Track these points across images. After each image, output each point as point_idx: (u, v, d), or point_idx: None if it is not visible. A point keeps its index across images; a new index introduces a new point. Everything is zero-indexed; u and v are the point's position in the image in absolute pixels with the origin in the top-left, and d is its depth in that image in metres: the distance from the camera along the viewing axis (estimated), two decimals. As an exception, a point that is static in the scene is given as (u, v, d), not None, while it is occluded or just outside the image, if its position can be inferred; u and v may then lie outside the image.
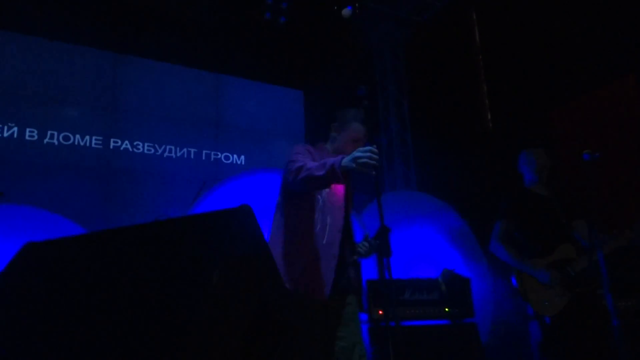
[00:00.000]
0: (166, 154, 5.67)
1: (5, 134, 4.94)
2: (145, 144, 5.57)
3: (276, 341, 1.78)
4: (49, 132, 5.12)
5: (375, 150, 2.21)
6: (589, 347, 3.03)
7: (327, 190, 2.61)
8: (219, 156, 5.99)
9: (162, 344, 1.40)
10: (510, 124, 6.38)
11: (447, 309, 4.18)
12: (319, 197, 2.62)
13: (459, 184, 6.19)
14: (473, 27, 7.26)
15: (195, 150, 5.85)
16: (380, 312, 3.99)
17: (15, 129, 4.97)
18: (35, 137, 5.05)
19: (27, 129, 5.03)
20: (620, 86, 5.32)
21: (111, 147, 5.38)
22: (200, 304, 1.50)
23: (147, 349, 1.40)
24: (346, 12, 6.19)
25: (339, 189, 2.69)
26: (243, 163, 6.03)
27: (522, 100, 6.13)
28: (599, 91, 5.52)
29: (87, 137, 5.29)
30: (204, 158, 5.89)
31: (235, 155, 6.08)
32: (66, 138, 5.19)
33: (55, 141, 5.13)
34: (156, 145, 5.63)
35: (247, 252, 1.73)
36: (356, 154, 2.21)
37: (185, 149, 5.79)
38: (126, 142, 5.48)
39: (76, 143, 5.22)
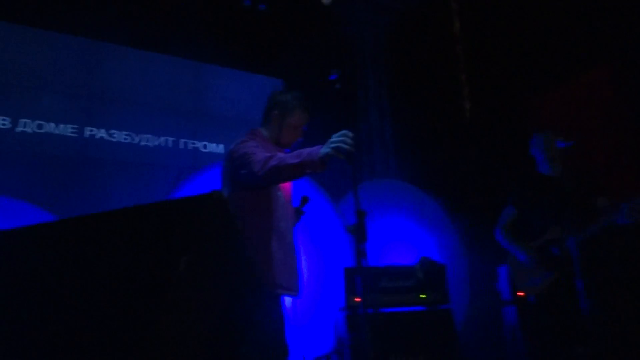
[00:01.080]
0: (143, 142, 5.60)
1: (-23, 122, 4.84)
2: (122, 133, 5.50)
3: (245, 333, 1.78)
4: (22, 121, 5.01)
5: (350, 134, 2.17)
6: (567, 326, 3.10)
7: (281, 186, 2.60)
8: (197, 145, 5.94)
9: (128, 332, 1.39)
10: (488, 113, 6.44)
11: (423, 296, 4.23)
12: (278, 193, 2.59)
13: (438, 173, 6.24)
14: (453, 17, 7.28)
15: (173, 139, 5.79)
16: (358, 299, 4.02)
17: (-13, 117, 4.87)
18: (8, 126, 4.95)
19: (0, 117, 4.92)
20: (596, 76, 5.40)
21: (86, 135, 5.29)
22: (166, 291, 1.49)
23: (114, 337, 1.39)
24: (326, -1, 6.16)
25: (287, 185, 2.70)
26: (222, 151, 5.98)
27: (501, 90, 6.19)
28: (575, 81, 5.59)
29: (62, 126, 5.20)
30: (181, 147, 5.83)
31: (214, 144, 6.04)
32: (40, 126, 5.09)
33: (28, 129, 5.03)
34: (132, 134, 5.55)
35: (218, 239, 1.72)
36: (332, 139, 2.18)
37: (162, 138, 5.72)
38: (102, 130, 5.39)
39: (50, 131, 5.13)
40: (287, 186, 2.72)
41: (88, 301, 1.50)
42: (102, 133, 5.39)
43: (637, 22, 4.86)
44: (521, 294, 3.33)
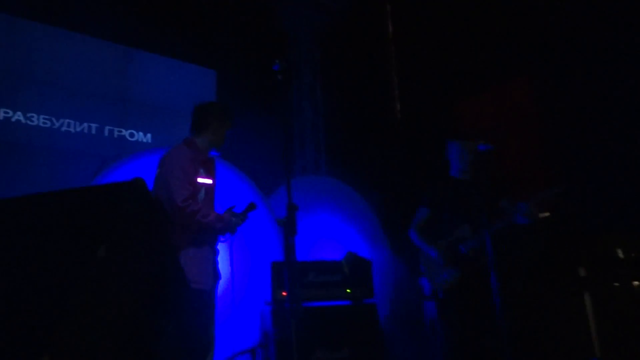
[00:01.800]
0: (64, 128, 5.29)
1: None
2: (41, 117, 5.17)
3: (166, 323, 1.74)
4: None
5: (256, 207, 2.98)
6: (474, 321, 3.27)
7: (208, 188, 2.95)
8: (124, 133, 5.70)
9: (45, 318, 1.33)
10: (418, 114, 6.65)
11: (348, 290, 4.30)
12: (204, 193, 2.91)
13: (368, 171, 6.37)
14: (387, 19, 7.45)
15: (97, 125, 5.52)
16: (284, 293, 4.03)
17: None
18: None
19: None
20: (516, 85, 5.73)
21: (1, 118, 4.94)
22: (84, 277, 1.44)
23: (28, 322, 1.32)
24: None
25: (213, 187, 3.02)
26: (149, 141, 5.78)
27: (430, 92, 6.41)
28: (497, 88, 5.90)
29: (-27, 107, 4.83)
30: (106, 134, 5.57)
31: (141, 133, 5.81)
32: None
33: None
34: (53, 119, 5.24)
35: (140, 227, 1.67)
36: (237, 222, 2.92)
37: (86, 124, 5.44)
38: (18, 113, 5.04)
39: (-41, 112, 4.75)
40: (210, 184, 2.99)
41: (3, 283, 1.42)
42: (18, 116, 5.04)
43: (556, 36, 5.19)
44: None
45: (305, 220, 5.11)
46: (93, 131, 5.47)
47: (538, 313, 4.12)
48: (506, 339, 2.82)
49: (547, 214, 3.47)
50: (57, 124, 5.25)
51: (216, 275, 2.92)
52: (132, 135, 5.75)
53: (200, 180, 2.88)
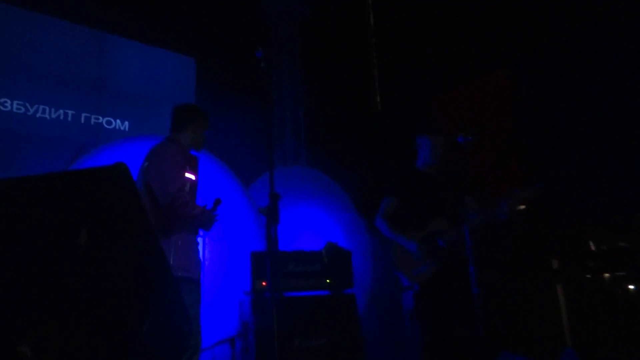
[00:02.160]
0: (39, 114, 5.17)
1: None
2: (14, 102, 5.04)
3: (147, 310, 1.72)
4: None
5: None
6: (451, 312, 3.32)
7: (192, 184, 2.99)
8: (101, 120, 5.59)
9: (24, 306, 1.31)
10: (397, 106, 6.69)
11: (328, 280, 4.32)
12: (188, 188, 2.95)
13: (347, 161, 6.39)
14: (368, 10, 7.46)
15: (73, 112, 5.40)
16: (264, 283, 4.03)
17: None
18: None
19: None
20: (492, 79, 5.81)
21: (-28, 102, 4.81)
22: (65, 264, 1.41)
23: (9, 311, 1.30)
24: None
25: (196, 183, 3.06)
26: (127, 129, 5.69)
27: (410, 85, 6.45)
28: (474, 82, 5.97)
29: (-57, 91, 4.68)
30: (83, 121, 5.46)
31: (118, 121, 5.71)
32: None
33: None
34: (27, 104, 5.11)
35: (121, 212, 1.65)
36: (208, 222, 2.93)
37: (61, 111, 5.32)
38: (-9, 98, 4.92)
39: None
40: (194, 181, 3.02)
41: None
42: (-9, 101, 4.92)
43: (534, 32, 5.27)
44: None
45: (283, 209, 5.10)
46: (69, 118, 5.36)
47: (512, 304, 4.21)
48: (482, 329, 2.88)
49: (522, 207, 3.54)
50: (31, 110, 5.13)
51: (200, 265, 2.98)
52: (109, 122, 5.65)
53: (186, 175, 2.94)
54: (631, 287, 3.83)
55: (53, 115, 5.26)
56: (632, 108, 4.48)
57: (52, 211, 1.53)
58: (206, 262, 4.35)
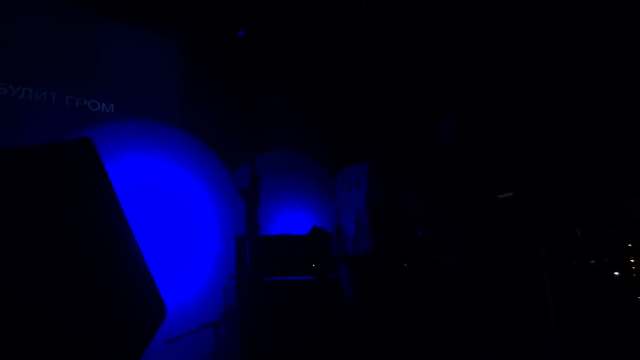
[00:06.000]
0: (22, 96, 5.08)
1: None
2: (-4, 83, 4.95)
3: (116, 285, 1.69)
4: None
5: None
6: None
7: None
8: (85, 103, 5.51)
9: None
10: (387, 93, 6.62)
11: (313, 265, 4.30)
12: None
13: (333, 147, 6.35)
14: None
15: (57, 94, 5.31)
16: (248, 267, 4.00)
17: None
18: None
19: None
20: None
21: (-48, 83, 4.72)
22: (34, 234, 1.39)
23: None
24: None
25: None
26: (112, 112, 5.60)
27: (401, 66, 6.39)
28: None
29: None
30: (67, 104, 5.37)
31: (104, 103, 5.62)
32: None
33: None
34: (10, 86, 5.02)
35: (85, 188, 1.61)
36: None
37: (45, 92, 5.23)
38: (-29, 78, 4.82)
39: None
40: None
41: None
42: (-29, 81, 4.83)
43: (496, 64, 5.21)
44: None
45: (269, 193, 5.07)
46: (53, 100, 5.27)
47: (499, 290, 4.20)
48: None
49: (509, 194, 3.52)
50: (14, 92, 5.03)
51: None
52: (94, 105, 5.56)
53: None
54: (616, 273, 3.84)
55: (37, 97, 5.17)
56: (617, 93, 4.46)
57: (19, 184, 1.49)
58: (193, 247, 4.32)
